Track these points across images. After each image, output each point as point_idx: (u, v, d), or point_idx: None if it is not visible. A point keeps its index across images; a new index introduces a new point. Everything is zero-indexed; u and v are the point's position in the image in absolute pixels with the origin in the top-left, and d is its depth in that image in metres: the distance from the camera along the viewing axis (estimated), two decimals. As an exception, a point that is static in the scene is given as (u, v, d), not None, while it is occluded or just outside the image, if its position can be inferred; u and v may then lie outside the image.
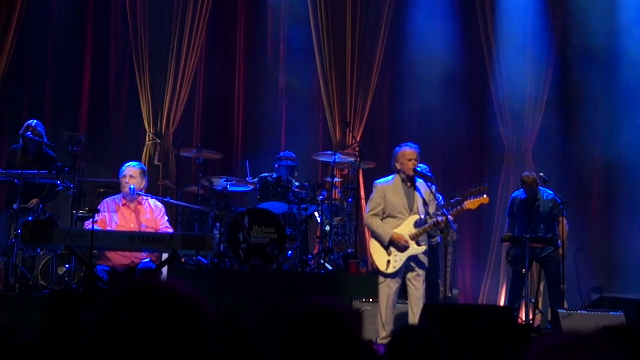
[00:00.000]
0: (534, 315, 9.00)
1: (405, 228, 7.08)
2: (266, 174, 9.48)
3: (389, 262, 7.03)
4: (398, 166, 7.19)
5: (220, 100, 11.10)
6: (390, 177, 7.26)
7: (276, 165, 9.57)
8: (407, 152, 7.17)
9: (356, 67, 10.88)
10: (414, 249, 7.06)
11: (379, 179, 7.45)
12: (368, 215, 7.21)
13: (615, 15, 11.10)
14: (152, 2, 10.47)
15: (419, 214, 7.13)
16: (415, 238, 7.06)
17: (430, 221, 7.09)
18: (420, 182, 7.24)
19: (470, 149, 11.44)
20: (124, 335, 1.67)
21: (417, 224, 7.09)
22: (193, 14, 10.47)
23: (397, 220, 7.10)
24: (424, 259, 7.15)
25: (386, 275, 7.05)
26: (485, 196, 7.60)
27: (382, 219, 7.15)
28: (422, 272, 7.13)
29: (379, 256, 7.09)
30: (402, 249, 7.02)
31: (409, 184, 7.17)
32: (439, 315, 7.20)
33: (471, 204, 7.42)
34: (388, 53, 11.07)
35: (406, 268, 7.10)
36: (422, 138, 11.21)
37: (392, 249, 7.04)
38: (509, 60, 11.07)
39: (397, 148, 7.31)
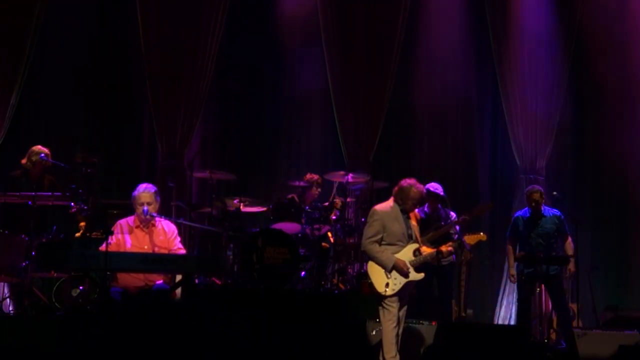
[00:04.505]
0: (549, 334, 8.95)
1: (405, 255, 7.20)
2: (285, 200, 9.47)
3: (387, 284, 7.12)
4: (401, 201, 7.24)
5: (233, 119, 11.11)
6: (389, 205, 7.30)
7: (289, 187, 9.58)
8: (417, 198, 7.26)
9: (369, 86, 10.90)
10: (414, 275, 7.17)
11: (377, 204, 7.51)
12: (367, 242, 7.22)
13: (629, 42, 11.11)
14: (167, 25, 10.52)
15: (418, 242, 7.26)
16: (414, 265, 7.17)
17: (427, 253, 7.24)
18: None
19: (483, 167, 11.41)
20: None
21: (416, 253, 7.21)
22: (206, 34, 10.52)
23: (397, 247, 7.19)
24: (412, 284, 7.32)
25: (385, 297, 7.12)
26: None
27: (379, 245, 7.22)
28: (407, 295, 7.29)
29: (378, 278, 7.15)
30: (404, 275, 7.12)
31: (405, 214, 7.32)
32: (453, 334, 7.19)
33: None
34: (400, 73, 11.07)
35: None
36: (434, 157, 11.26)
37: (393, 272, 7.13)
38: (521, 79, 11.06)
39: (408, 184, 7.26)
